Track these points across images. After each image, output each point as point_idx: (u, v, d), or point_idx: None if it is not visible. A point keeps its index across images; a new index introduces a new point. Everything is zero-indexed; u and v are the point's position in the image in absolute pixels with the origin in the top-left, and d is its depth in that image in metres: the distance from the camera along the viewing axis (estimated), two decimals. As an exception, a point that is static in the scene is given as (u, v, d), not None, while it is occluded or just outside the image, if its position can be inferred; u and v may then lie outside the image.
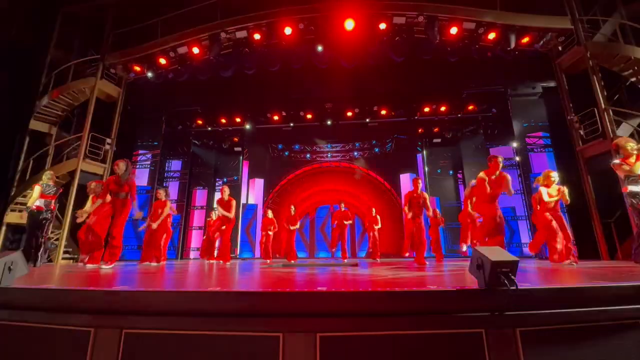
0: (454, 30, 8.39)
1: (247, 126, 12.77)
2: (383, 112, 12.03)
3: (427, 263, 6.01)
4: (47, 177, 6.15)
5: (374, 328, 1.80)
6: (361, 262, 7.67)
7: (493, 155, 4.79)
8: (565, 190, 5.50)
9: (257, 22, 8.68)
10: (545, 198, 5.41)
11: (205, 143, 13.54)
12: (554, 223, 5.32)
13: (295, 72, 9.82)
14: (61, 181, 8.59)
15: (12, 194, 8.18)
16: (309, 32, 8.81)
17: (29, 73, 9.15)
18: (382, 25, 8.53)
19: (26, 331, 1.96)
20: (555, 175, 5.64)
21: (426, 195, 6.30)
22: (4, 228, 7.91)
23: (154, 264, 6.69)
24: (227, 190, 7.05)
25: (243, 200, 13.35)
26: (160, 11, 9.27)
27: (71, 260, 8.36)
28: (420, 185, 6.30)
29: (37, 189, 5.90)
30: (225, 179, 13.56)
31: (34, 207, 5.87)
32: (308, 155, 14.66)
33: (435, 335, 1.79)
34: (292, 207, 9.28)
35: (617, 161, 4.48)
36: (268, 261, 8.62)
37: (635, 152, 4.40)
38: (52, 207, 6.05)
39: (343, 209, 9.30)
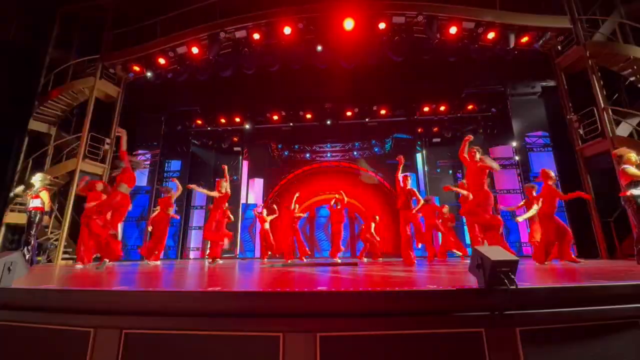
0: (453, 30, 8.38)
1: (247, 126, 12.75)
2: (382, 111, 12.03)
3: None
4: (47, 180, 6.25)
5: (374, 328, 1.80)
6: (359, 262, 7.68)
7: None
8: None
9: (257, 22, 8.67)
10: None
11: (205, 143, 13.53)
12: None
13: (294, 72, 9.81)
14: (60, 182, 8.60)
15: (12, 194, 8.16)
16: (309, 32, 8.80)
17: (28, 73, 9.14)
18: (382, 25, 8.52)
19: (26, 332, 1.96)
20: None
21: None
22: (3, 228, 7.89)
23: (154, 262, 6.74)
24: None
25: (243, 200, 13.35)
26: (160, 11, 9.26)
27: (71, 261, 8.35)
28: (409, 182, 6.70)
29: (46, 194, 6.01)
30: (224, 179, 13.54)
31: (32, 207, 5.92)
32: (308, 155, 14.66)
33: (435, 334, 1.79)
34: (296, 205, 9.26)
35: (628, 166, 4.60)
36: (265, 260, 8.69)
37: (638, 161, 4.62)
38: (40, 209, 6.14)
39: (337, 207, 9.23)
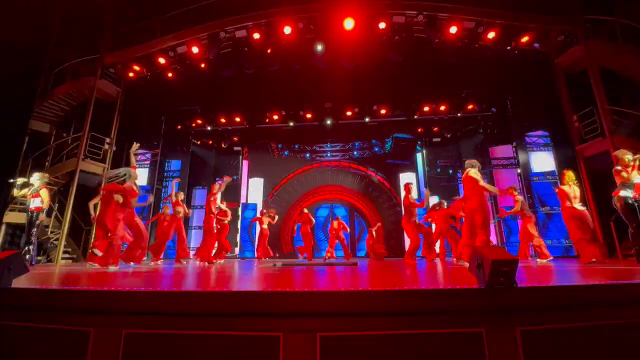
0: (453, 30, 8.38)
1: (247, 125, 12.75)
2: (383, 111, 12.02)
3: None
4: (46, 178, 6.22)
5: (374, 327, 1.80)
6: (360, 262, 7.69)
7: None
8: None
9: (257, 22, 8.67)
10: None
11: (205, 142, 13.52)
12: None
13: (294, 71, 9.81)
14: (61, 181, 8.60)
15: (12, 193, 8.16)
16: (309, 31, 8.80)
17: (28, 73, 9.14)
18: (382, 25, 8.52)
19: (26, 331, 1.96)
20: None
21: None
22: (3, 227, 7.89)
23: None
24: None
25: (243, 200, 13.35)
26: (160, 11, 9.26)
27: (70, 260, 8.35)
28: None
29: (45, 192, 5.99)
30: (225, 179, 13.52)
31: (34, 207, 5.90)
32: (308, 155, 14.64)
33: (436, 334, 1.79)
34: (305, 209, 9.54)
35: (619, 167, 4.86)
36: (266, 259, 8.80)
37: (632, 163, 4.81)
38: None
39: (340, 220, 9.54)
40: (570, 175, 5.79)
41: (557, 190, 5.90)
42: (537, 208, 10.06)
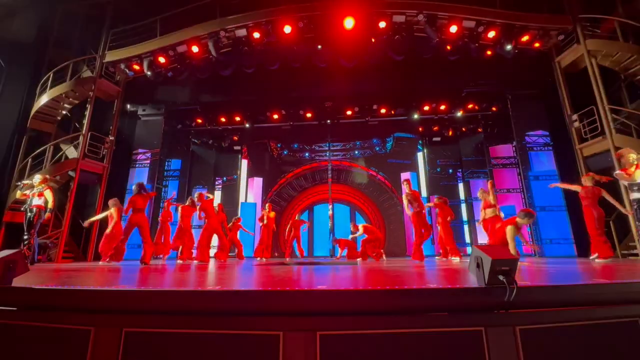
0: (453, 29, 8.37)
1: (247, 125, 12.74)
2: (383, 110, 12.00)
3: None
4: (49, 181, 6.30)
5: (374, 326, 1.80)
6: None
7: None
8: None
9: (257, 21, 8.65)
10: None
11: (205, 142, 13.51)
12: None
13: (294, 70, 9.79)
14: (60, 180, 8.59)
15: (15, 195, 8.15)
16: (309, 30, 8.78)
17: (28, 71, 9.12)
18: (382, 24, 8.50)
19: (26, 331, 1.96)
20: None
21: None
22: (3, 227, 7.88)
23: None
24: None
25: (242, 199, 13.35)
26: (160, 10, 9.24)
27: (71, 260, 8.35)
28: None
29: (50, 192, 6.03)
30: (224, 178, 13.54)
31: (34, 205, 5.92)
32: (307, 154, 14.64)
33: (435, 333, 1.79)
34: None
35: (618, 172, 4.92)
36: (264, 259, 8.83)
37: (635, 162, 4.77)
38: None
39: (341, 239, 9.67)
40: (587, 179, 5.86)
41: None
42: (537, 208, 10.06)
